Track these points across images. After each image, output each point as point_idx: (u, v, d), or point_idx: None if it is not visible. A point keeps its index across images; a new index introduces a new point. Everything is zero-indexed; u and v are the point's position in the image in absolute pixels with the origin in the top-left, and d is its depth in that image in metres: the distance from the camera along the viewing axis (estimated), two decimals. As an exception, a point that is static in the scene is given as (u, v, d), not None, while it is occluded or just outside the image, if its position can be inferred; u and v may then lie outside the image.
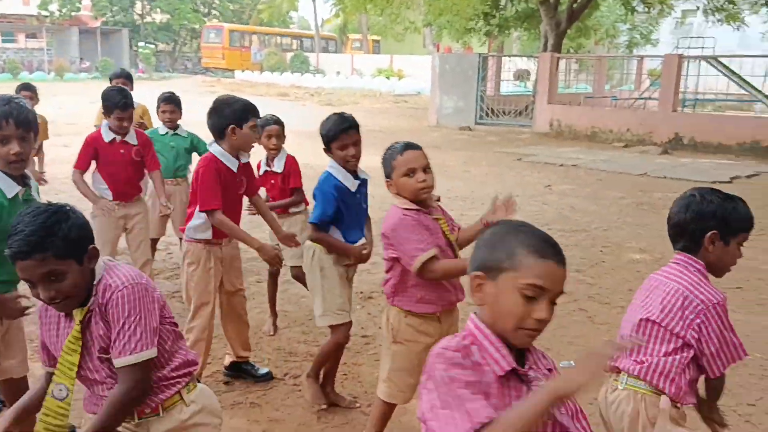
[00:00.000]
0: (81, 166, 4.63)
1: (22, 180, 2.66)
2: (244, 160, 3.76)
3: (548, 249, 1.52)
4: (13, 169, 2.59)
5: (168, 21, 46.51)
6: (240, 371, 4.05)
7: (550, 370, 1.63)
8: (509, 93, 21.91)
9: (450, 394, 1.45)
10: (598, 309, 5.39)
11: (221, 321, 4.02)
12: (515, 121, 18.88)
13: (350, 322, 3.65)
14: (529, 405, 1.42)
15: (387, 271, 2.97)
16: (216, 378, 4.07)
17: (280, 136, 4.63)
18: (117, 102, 4.54)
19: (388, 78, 36.47)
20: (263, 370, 4.07)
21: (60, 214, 1.94)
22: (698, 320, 2.21)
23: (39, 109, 5.41)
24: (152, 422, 2.11)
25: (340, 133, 3.45)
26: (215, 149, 3.67)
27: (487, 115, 19.24)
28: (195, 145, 5.55)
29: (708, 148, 14.56)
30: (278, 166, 4.64)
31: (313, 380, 3.70)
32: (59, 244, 1.90)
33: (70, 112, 18.90)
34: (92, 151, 4.63)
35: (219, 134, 3.65)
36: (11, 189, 2.60)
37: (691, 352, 2.24)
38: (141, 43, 44.04)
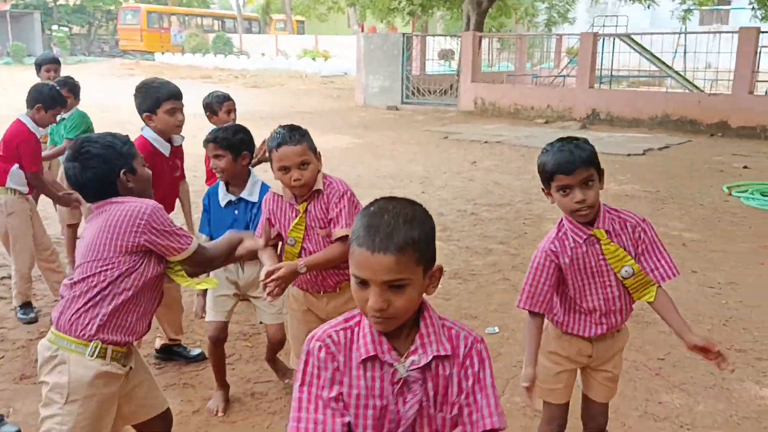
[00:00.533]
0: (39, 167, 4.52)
1: None
2: (177, 143, 3.75)
3: (366, 236, 1.45)
4: None
5: (82, 3, 44.58)
6: (172, 354, 4.06)
7: (445, 356, 1.55)
8: (434, 72, 22.15)
9: (302, 384, 1.52)
10: (521, 278, 5.60)
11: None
12: (441, 100, 19.12)
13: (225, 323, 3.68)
14: None
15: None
16: (148, 361, 4.05)
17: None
18: (63, 102, 4.64)
19: (314, 59, 36.16)
20: (195, 351, 4.10)
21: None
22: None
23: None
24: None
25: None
26: (147, 133, 3.66)
27: (413, 94, 19.41)
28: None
29: (623, 122, 15.16)
30: None
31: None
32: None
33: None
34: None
35: (144, 121, 3.65)
36: None
37: None
38: (54, 27, 42.11)
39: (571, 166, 2.35)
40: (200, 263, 2.50)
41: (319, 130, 14.30)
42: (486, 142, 13.15)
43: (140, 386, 2.48)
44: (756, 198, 8.04)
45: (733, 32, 14.55)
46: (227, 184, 3.43)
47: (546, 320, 2.60)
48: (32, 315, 4.53)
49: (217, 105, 4.69)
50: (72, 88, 5.40)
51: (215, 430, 3.39)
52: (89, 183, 2.33)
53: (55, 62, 6.03)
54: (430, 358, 1.53)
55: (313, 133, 2.99)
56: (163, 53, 39.02)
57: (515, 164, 10.90)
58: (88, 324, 2.24)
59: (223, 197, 3.42)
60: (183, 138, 3.86)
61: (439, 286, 5.29)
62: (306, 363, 1.53)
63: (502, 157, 11.67)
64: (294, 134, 2.76)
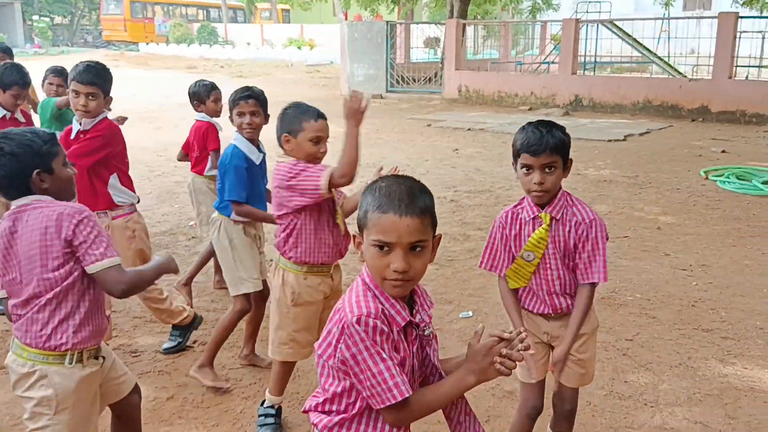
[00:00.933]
0: None
1: None
2: (83, 127, 3.71)
3: (390, 203, 1.59)
4: None
5: (64, -8, 44.19)
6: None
7: (430, 316, 1.77)
8: (419, 61, 22.13)
9: (375, 360, 1.58)
10: (498, 263, 5.69)
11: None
12: (425, 88, 19.13)
13: (262, 291, 3.74)
14: (444, 393, 1.64)
15: (283, 228, 3.09)
16: (123, 349, 4.10)
17: None
18: (16, 80, 4.48)
19: (299, 48, 36.05)
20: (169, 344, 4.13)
21: None
22: None
23: None
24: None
25: (240, 100, 3.61)
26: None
27: (397, 82, 19.40)
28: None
29: (605, 108, 15.25)
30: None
31: (207, 368, 3.67)
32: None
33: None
34: None
35: None
36: None
37: None
38: (35, 17, 41.70)
39: (537, 148, 2.44)
40: (114, 282, 2.26)
41: (303, 120, 14.29)
42: (469, 129, 13.20)
43: (112, 368, 2.52)
44: (731, 182, 8.14)
45: (712, 17, 14.64)
46: (252, 142, 3.63)
47: None
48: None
49: (205, 94, 4.80)
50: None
51: (190, 415, 3.44)
52: (1, 180, 2.25)
53: (6, 51, 6.03)
54: (430, 315, 1.76)
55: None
56: (147, 43, 38.75)
57: (497, 151, 10.95)
58: (60, 337, 2.24)
59: (257, 155, 3.66)
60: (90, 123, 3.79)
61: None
62: (368, 343, 1.58)
63: (485, 144, 11.72)
64: (319, 111, 3.08)
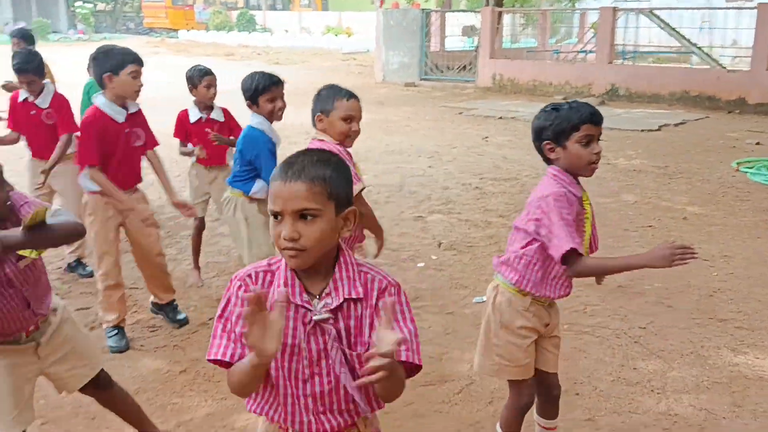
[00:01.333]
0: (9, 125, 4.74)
1: None
2: (132, 110, 3.84)
3: (280, 171, 1.58)
4: None
5: (107, -21, 44.95)
6: (161, 310, 4.27)
7: (356, 299, 1.63)
8: (454, 49, 21.99)
9: (219, 317, 1.66)
10: (516, 250, 5.68)
11: (137, 265, 4.18)
12: (459, 76, 19.00)
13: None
14: (240, 367, 1.56)
15: None
16: (141, 324, 4.23)
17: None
18: (23, 67, 4.59)
19: (336, 36, 36.10)
20: (181, 315, 4.26)
21: None
22: (537, 211, 2.48)
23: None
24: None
25: (271, 86, 3.73)
26: (99, 100, 3.76)
27: (431, 70, 19.32)
28: None
29: (642, 98, 14.97)
30: (219, 115, 4.87)
31: None
32: None
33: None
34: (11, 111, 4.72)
35: (101, 84, 3.76)
36: None
37: (536, 244, 2.50)
38: (78, 3, 42.45)
39: (599, 117, 2.47)
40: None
41: (335, 106, 14.35)
42: (501, 117, 13.12)
43: (63, 360, 2.56)
44: (762, 173, 7.96)
45: (752, 8, 14.25)
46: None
47: (507, 294, 2.59)
48: None
49: (198, 78, 4.74)
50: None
51: (201, 388, 3.55)
52: None
53: (24, 37, 6.16)
54: (341, 300, 1.62)
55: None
56: (187, 30, 39.24)
57: (527, 140, 10.68)
58: None
59: (277, 138, 3.81)
60: (137, 105, 3.93)
61: (434, 257, 5.43)
62: (227, 300, 1.65)
63: (516, 132, 11.63)
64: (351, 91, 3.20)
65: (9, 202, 2.29)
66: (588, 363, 3.77)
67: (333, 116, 3.12)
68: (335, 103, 3.12)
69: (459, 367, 3.75)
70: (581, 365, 3.74)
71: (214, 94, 4.80)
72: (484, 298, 4.66)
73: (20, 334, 2.41)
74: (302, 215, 1.54)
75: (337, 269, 1.64)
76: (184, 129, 4.82)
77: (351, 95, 3.17)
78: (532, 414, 2.83)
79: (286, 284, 1.61)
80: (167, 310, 4.23)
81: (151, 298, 4.27)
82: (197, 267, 5.01)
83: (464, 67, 19.15)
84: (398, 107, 14.84)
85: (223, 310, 1.65)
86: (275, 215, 1.57)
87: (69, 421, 3.23)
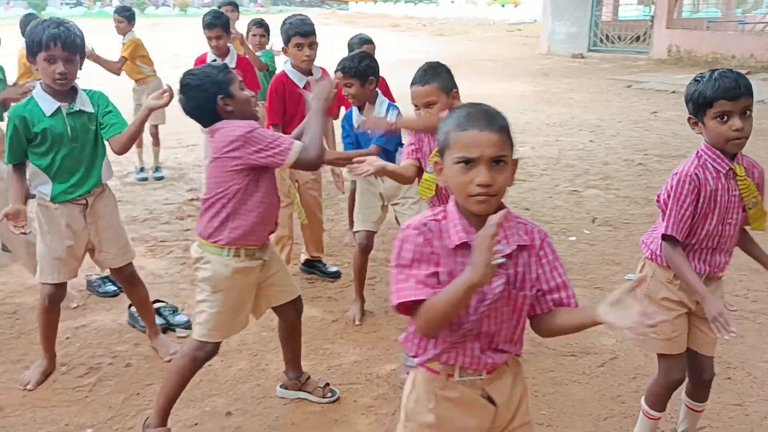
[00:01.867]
0: None
1: (70, 95, 3.06)
2: (315, 76, 4.13)
3: (470, 121, 1.67)
4: (59, 86, 3.00)
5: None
6: (313, 268, 4.58)
7: (522, 246, 1.74)
8: (627, 18, 20.87)
9: (402, 266, 1.71)
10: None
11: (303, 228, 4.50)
12: (631, 47, 18.07)
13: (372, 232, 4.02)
14: (448, 293, 1.62)
15: None
16: (300, 276, 4.57)
17: None
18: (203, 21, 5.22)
19: (503, 6, 35.48)
20: (333, 269, 4.57)
21: None
22: (666, 186, 2.46)
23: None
24: None
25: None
26: (286, 67, 4.18)
27: (601, 41, 18.52)
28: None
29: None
30: None
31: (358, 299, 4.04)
32: None
33: (194, 45, 19.95)
34: None
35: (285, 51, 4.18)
36: (51, 106, 3.03)
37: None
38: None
39: (735, 92, 2.33)
40: (308, 162, 2.66)
41: (496, 78, 14.22)
42: (673, 92, 12.34)
43: (276, 275, 2.89)
44: None
45: None
46: (359, 108, 3.78)
47: (652, 266, 2.56)
48: None
49: (357, 47, 4.77)
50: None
51: (350, 337, 3.79)
52: (194, 111, 2.67)
53: (231, 3, 6.57)
54: (515, 247, 1.73)
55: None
56: (357, 2, 40.32)
57: (701, 115, 10.16)
58: (220, 233, 2.66)
59: (357, 119, 3.80)
60: (320, 72, 4.21)
61: (587, 232, 5.36)
62: (401, 249, 1.73)
63: (688, 107, 10.93)
64: (425, 74, 3.04)
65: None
66: (744, 348, 3.58)
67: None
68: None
69: (603, 341, 3.71)
70: (736, 350, 3.55)
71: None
72: (633, 276, 4.57)
73: (256, 248, 2.74)
74: (495, 162, 1.65)
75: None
76: None
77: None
78: (680, 393, 2.76)
79: (464, 231, 1.70)
80: (319, 265, 4.58)
81: (301, 258, 4.63)
82: (352, 225, 5.28)
83: (637, 37, 18.17)
84: (562, 79, 14.42)
85: (400, 257, 1.72)
86: (466, 162, 1.66)
87: (234, 355, 3.59)
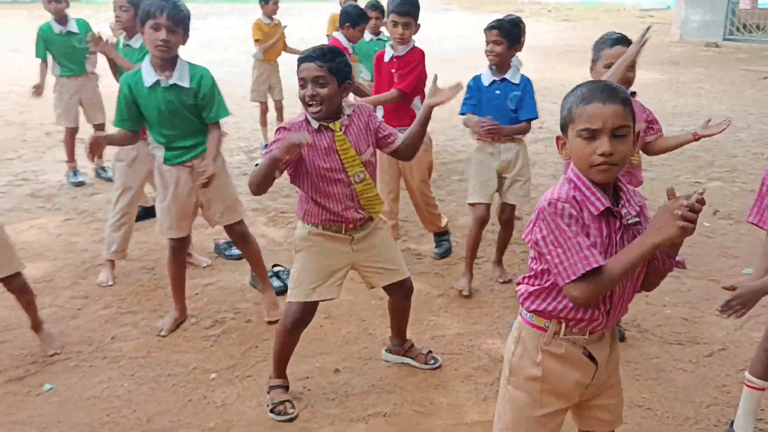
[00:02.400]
0: None
1: (169, 68, 3.28)
2: (398, 53, 4.30)
3: (593, 94, 1.76)
4: (160, 53, 3.23)
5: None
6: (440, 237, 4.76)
7: (641, 207, 1.87)
8: (769, 5, 19.51)
9: (564, 237, 1.75)
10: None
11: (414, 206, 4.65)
12: (772, 37, 16.90)
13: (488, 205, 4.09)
14: (630, 257, 1.71)
15: None
16: (410, 252, 4.73)
17: None
18: (355, 17, 5.59)
19: (633, -9, 33.94)
20: (440, 249, 4.71)
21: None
22: None
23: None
24: None
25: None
26: (388, 42, 4.47)
27: (738, 30, 17.41)
28: None
29: None
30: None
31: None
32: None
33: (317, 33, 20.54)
34: None
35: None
36: (151, 78, 3.28)
37: None
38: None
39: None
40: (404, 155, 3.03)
41: (621, 65, 13.70)
42: (815, 84, 11.51)
43: (377, 256, 2.99)
44: None
45: None
46: (495, 67, 3.98)
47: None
48: None
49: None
50: None
51: (454, 311, 3.91)
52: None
53: (377, 7, 6.76)
54: (638, 209, 1.86)
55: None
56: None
57: None
58: (300, 212, 2.90)
59: (488, 78, 4.00)
60: (405, 51, 4.29)
61: (707, 224, 5.21)
62: (556, 224, 1.76)
63: (834, 101, 10.18)
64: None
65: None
66: None
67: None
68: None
69: (714, 332, 3.64)
70: None
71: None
72: (752, 271, 4.39)
73: (341, 226, 2.88)
74: (615, 134, 1.74)
75: (620, 185, 1.86)
76: None
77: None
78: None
79: (604, 197, 1.79)
80: (444, 237, 4.74)
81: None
82: None
83: (779, 26, 16.96)
84: (692, 68, 13.75)
85: (560, 230, 1.76)
86: (590, 133, 1.76)
87: (345, 318, 3.81)
